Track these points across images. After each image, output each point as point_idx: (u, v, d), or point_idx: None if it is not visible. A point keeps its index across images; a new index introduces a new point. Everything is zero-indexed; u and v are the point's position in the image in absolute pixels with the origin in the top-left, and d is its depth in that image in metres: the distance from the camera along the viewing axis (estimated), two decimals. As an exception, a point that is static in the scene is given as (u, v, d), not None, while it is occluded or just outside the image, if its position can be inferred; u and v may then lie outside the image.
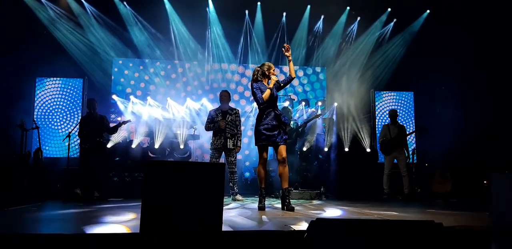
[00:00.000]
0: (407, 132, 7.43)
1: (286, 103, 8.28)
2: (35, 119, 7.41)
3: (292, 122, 7.11)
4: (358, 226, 2.32)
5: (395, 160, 7.18)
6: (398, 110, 7.88)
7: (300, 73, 9.94)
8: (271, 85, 4.66)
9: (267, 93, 4.61)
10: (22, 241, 2.58)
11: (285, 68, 9.85)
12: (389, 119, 7.49)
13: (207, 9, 9.02)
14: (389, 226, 2.35)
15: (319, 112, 8.39)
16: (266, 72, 4.76)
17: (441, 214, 4.49)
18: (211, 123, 6.20)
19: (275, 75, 4.73)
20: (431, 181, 7.28)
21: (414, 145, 9.19)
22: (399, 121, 7.60)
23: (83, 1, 8.47)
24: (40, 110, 8.54)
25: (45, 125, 8.44)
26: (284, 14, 9.31)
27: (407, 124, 9.52)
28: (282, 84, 4.81)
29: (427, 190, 7.23)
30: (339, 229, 2.28)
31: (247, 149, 9.15)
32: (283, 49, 4.78)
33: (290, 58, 4.76)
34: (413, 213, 4.56)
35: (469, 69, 8.28)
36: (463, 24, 8.07)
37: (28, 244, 2.56)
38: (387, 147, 7.20)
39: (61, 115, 8.61)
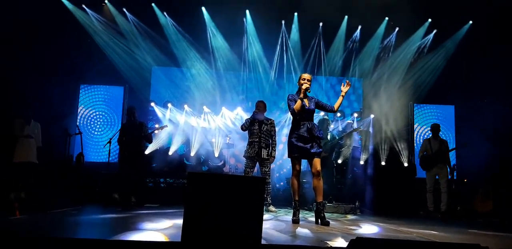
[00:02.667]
0: (449, 148, 7.19)
1: (322, 113, 8.20)
2: (78, 125, 7.71)
3: (329, 134, 7.03)
4: (401, 247, 2.25)
5: (437, 176, 6.97)
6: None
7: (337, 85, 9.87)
8: (301, 95, 4.61)
9: (297, 104, 4.57)
10: (64, 245, 2.67)
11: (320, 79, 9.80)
12: (430, 133, 7.28)
13: (244, 19, 9.14)
14: (434, 248, 2.27)
15: (355, 124, 8.26)
16: (298, 84, 4.77)
17: (484, 235, 4.29)
18: (247, 125, 6.23)
19: (305, 83, 4.62)
20: (472, 199, 7.00)
21: (455, 161, 8.87)
22: (440, 136, 7.35)
23: (125, 11, 8.78)
24: (83, 116, 8.89)
25: (87, 131, 8.78)
26: (321, 24, 9.28)
27: (448, 139, 9.22)
28: (322, 105, 4.80)
29: (467, 208, 6.95)
30: (381, 250, 2.23)
31: (280, 159, 9.12)
32: (343, 83, 4.71)
33: (344, 94, 4.69)
34: (454, 233, 4.38)
35: (512, 82, 7.95)
36: (506, 35, 7.78)
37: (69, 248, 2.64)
38: (427, 162, 7.01)
39: (102, 121, 8.94)
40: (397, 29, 9.32)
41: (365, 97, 9.73)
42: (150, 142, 6.93)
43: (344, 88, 4.67)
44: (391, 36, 9.42)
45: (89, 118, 8.93)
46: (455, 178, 7.12)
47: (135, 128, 6.55)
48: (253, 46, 9.36)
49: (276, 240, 3.20)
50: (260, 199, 2.49)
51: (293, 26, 9.27)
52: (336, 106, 4.75)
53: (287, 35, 9.41)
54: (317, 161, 4.57)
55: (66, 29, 8.27)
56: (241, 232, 2.39)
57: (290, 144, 4.67)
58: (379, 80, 9.23)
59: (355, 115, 8.85)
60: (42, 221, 4.09)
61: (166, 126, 7.15)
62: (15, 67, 7.28)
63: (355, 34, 9.44)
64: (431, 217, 6.65)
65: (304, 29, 9.28)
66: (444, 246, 2.35)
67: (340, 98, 4.72)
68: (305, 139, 4.58)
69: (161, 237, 3.08)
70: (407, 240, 2.24)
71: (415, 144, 8.94)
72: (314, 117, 4.83)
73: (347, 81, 4.71)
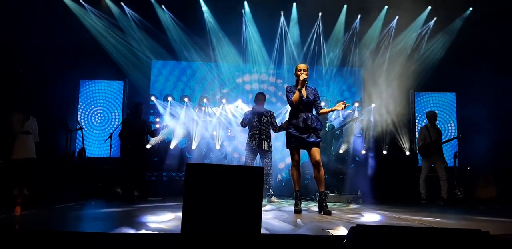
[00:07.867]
0: (445, 139, 7.18)
1: (322, 104, 8.17)
2: (79, 120, 7.72)
3: (328, 124, 7.02)
4: (401, 233, 2.26)
5: (432, 164, 6.96)
6: (439, 112, 7.57)
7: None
8: (299, 86, 4.63)
9: (296, 96, 4.61)
10: (68, 239, 2.69)
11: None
12: (427, 121, 7.24)
13: (243, 11, 9.07)
14: (433, 234, 2.27)
15: (356, 113, 8.23)
16: (295, 75, 4.78)
17: (486, 221, 4.28)
18: (246, 122, 6.24)
19: (302, 74, 4.64)
20: (474, 186, 7.00)
21: (457, 149, 8.84)
22: (437, 124, 7.32)
23: (123, 5, 8.71)
24: (84, 112, 8.89)
25: (88, 126, 8.78)
26: (320, 14, 9.20)
27: (450, 126, 9.19)
28: (315, 101, 4.76)
29: (470, 195, 6.95)
30: (381, 236, 2.23)
31: (282, 150, 9.11)
32: (342, 105, 4.57)
33: (334, 109, 4.67)
34: (456, 219, 4.39)
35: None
36: (507, 22, 7.69)
37: (73, 242, 2.66)
38: (427, 150, 6.97)
39: (103, 116, 8.93)
40: (397, 17, 9.22)
41: (365, 86, 9.66)
42: (155, 136, 6.89)
43: (338, 107, 4.56)
44: (391, 24, 9.32)
45: (90, 113, 8.92)
46: (457, 165, 7.11)
47: (139, 123, 6.49)
48: (252, 37, 9.29)
49: (278, 230, 3.21)
50: (259, 188, 2.49)
51: (292, 16, 9.19)
52: (321, 112, 4.75)
53: (286, 26, 9.33)
54: (315, 151, 4.57)
55: (65, 25, 8.21)
56: (240, 221, 2.39)
57: (287, 135, 4.71)
58: (380, 69, 9.16)
59: (356, 104, 8.81)
60: (46, 216, 4.11)
61: (168, 125, 7.09)
62: (14, 63, 7.27)
63: (355, 23, 9.35)
64: (433, 204, 6.65)
65: (303, 19, 9.19)
66: (444, 232, 2.34)
67: (329, 110, 4.75)
68: (301, 129, 4.60)
69: (163, 229, 3.09)
70: (407, 226, 2.25)
71: (416, 133, 8.92)
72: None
73: (346, 104, 4.60)
